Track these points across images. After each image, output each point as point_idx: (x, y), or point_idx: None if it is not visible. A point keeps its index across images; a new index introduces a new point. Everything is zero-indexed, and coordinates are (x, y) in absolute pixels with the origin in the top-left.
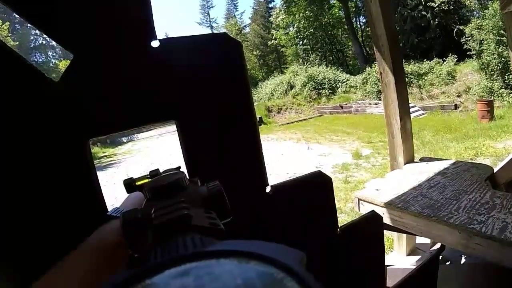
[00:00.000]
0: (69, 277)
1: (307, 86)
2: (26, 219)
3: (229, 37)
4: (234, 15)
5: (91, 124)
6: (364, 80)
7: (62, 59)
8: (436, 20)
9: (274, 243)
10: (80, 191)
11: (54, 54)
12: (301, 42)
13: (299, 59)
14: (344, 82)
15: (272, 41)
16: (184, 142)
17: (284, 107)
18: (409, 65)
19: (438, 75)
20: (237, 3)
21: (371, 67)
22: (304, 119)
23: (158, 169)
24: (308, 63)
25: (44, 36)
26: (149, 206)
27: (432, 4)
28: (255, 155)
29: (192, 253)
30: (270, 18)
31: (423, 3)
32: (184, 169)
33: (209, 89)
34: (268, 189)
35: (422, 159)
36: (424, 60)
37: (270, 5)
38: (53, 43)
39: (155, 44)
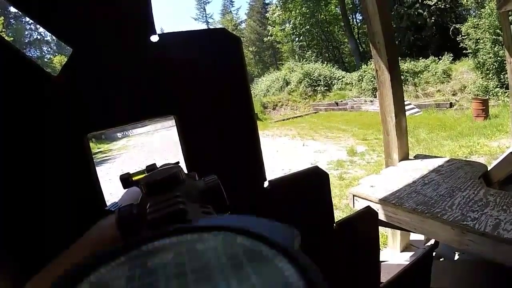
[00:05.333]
0: None
1: (303, 82)
2: (24, 214)
3: (228, 32)
4: (230, 11)
5: (90, 119)
6: (360, 78)
7: (56, 54)
8: (433, 18)
9: (267, 219)
10: (79, 186)
11: (49, 49)
12: (297, 39)
13: (295, 55)
14: (340, 79)
15: (268, 37)
16: (183, 137)
17: (280, 103)
18: (405, 63)
19: (434, 73)
20: None
21: (367, 65)
22: (300, 116)
23: (154, 164)
24: (304, 59)
25: (39, 31)
26: (145, 201)
27: (429, 2)
28: (253, 150)
29: (173, 228)
30: (266, 14)
31: (419, 1)
32: (182, 164)
33: (208, 84)
34: (266, 184)
35: (416, 157)
36: (420, 58)
37: (267, 1)
38: (48, 38)
39: (154, 38)
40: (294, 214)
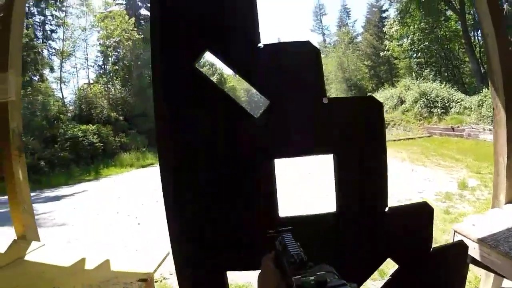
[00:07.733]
0: None
1: (419, 102)
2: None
3: (373, 99)
4: (347, 23)
5: (276, 148)
6: (480, 103)
7: None
8: None
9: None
10: (263, 201)
11: None
12: (415, 55)
13: (412, 73)
14: (458, 102)
15: (385, 52)
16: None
17: (392, 122)
18: None
19: None
20: (350, 11)
21: (488, 88)
22: (412, 138)
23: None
24: (421, 78)
25: None
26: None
27: None
28: (379, 178)
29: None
30: (383, 28)
31: None
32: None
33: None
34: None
35: None
36: None
37: (384, 15)
38: None
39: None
40: (402, 240)
